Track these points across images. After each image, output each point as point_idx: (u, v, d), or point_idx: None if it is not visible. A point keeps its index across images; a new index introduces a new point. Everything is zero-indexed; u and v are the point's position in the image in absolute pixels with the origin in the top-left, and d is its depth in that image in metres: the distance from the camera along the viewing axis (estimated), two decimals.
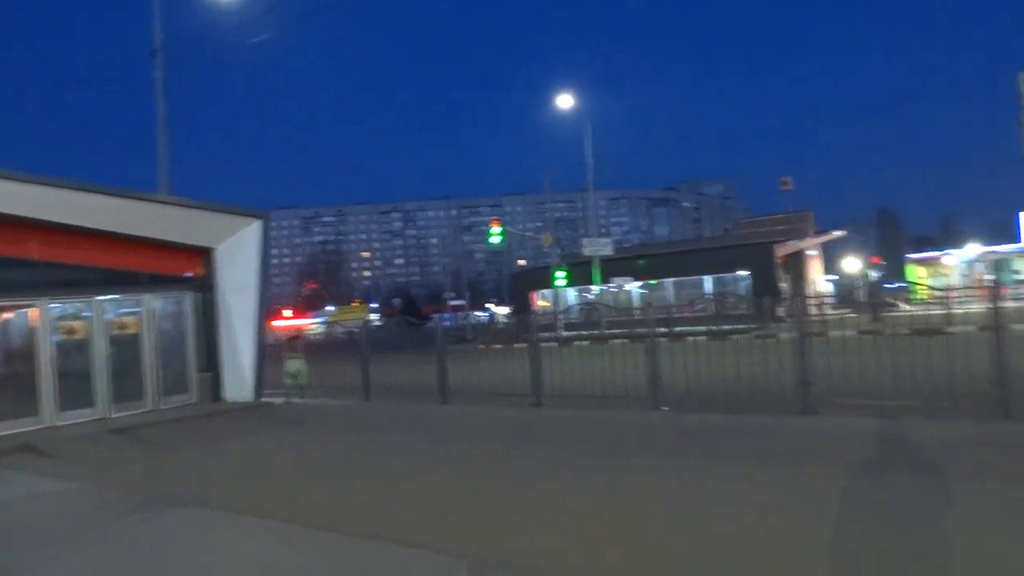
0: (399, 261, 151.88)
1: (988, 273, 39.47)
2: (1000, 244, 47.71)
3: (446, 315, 59.42)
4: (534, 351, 11.16)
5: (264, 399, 13.08)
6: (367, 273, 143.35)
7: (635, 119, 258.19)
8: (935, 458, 5.98)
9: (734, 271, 36.51)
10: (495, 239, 35.62)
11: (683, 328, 17.45)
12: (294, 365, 13.80)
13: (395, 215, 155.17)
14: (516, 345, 12.24)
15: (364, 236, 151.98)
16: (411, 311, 63.34)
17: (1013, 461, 5.78)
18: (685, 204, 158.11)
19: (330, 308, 68.95)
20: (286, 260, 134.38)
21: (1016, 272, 40.33)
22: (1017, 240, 42.09)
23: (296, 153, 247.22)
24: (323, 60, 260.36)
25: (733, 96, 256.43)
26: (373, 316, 67.51)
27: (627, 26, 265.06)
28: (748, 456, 6.59)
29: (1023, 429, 6.82)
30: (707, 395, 9.48)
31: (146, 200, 12.39)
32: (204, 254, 13.13)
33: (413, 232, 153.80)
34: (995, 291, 8.42)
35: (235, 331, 13.10)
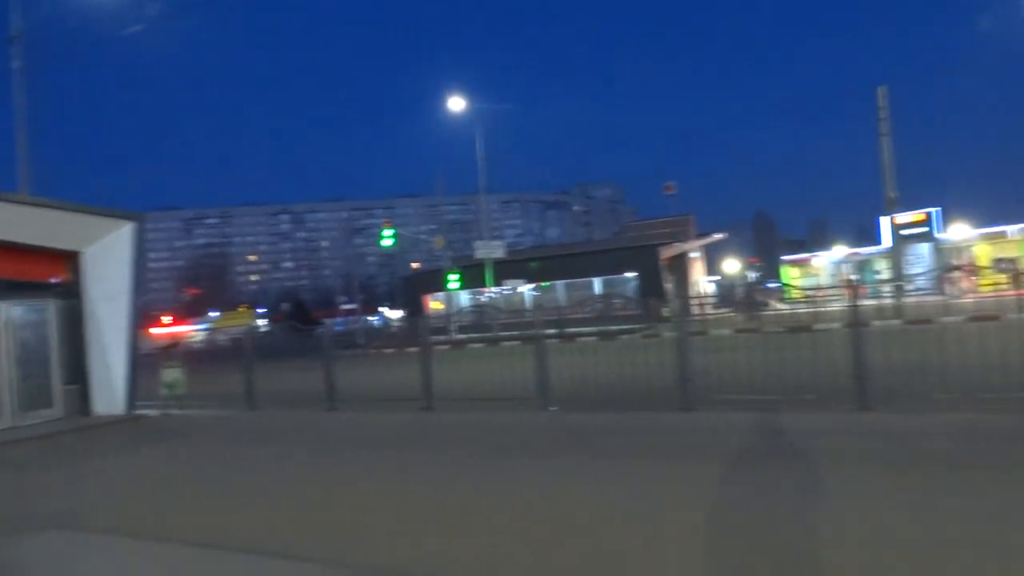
0: (288, 264, 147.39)
1: (853, 273, 42.31)
2: (864, 246, 51.23)
3: (338, 319, 58.14)
4: (425, 354, 11.09)
5: (138, 412, 12.37)
6: (254, 277, 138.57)
7: (528, 122, 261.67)
8: (800, 447, 6.35)
9: (622, 273, 37.59)
10: (387, 241, 35.16)
11: (573, 329, 17.79)
12: (171, 375, 13.12)
13: (284, 217, 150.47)
14: (408, 349, 12.11)
15: (251, 239, 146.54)
16: (300, 316, 61.54)
17: (869, 447, 6.20)
18: (576, 207, 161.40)
19: (214, 314, 66.12)
20: (165, 264, 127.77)
21: (877, 272, 43.43)
22: (878, 243, 45.30)
23: (177, 152, 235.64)
24: (208, 54, 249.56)
25: (621, 101, 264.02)
26: (261, 322, 65.21)
27: (518, 29, 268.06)
28: (628, 453, 6.78)
29: (879, 418, 7.33)
30: (594, 394, 9.71)
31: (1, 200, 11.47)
32: (70, 258, 12.29)
33: (303, 234, 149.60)
34: (855, 290, 9.04)
35: (105, 340, 12.32)
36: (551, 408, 9.67)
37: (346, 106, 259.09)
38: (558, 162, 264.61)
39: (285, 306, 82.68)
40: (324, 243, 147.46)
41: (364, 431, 9.55)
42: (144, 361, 14.06)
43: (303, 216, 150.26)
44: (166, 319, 59.53)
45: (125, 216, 12.58)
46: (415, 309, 41.23)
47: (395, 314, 61.12)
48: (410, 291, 46.07)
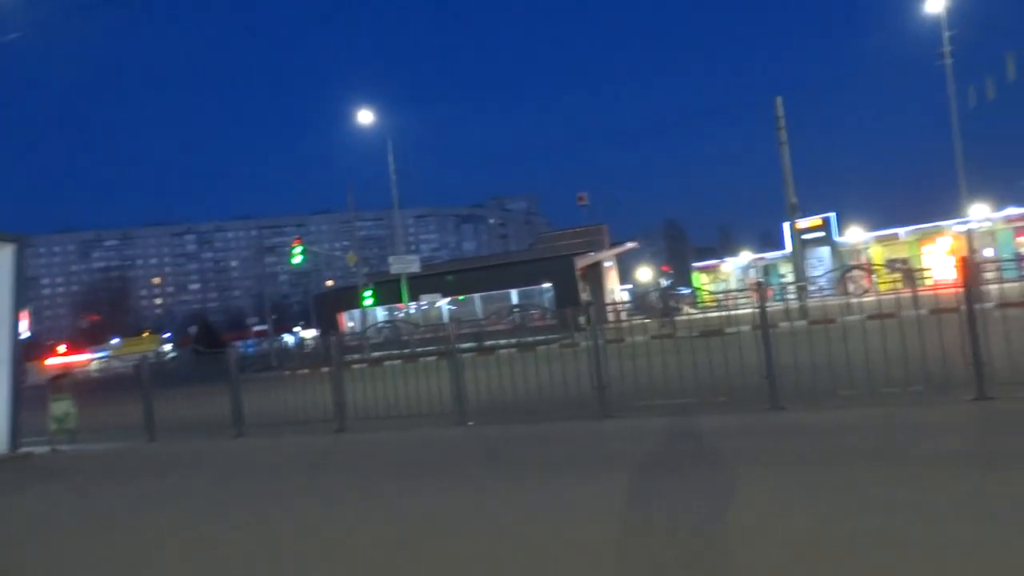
0: (195, 287, 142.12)
1: (759, 277, 43.86)
2: (768, 251, 53.22)
3: (249, 341, 56.25)
4: (336, 373, 10.71)
5: (24, 449, 11.46)
6: (159, 301, 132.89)
7: (442, 136, 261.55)
8: (715, 449, 6.36)
9: (538, 284, 37.79)
10: (297, 259, 34.23)
11: (491, 342, 17.63)
12: (60, 407, 12.22)
13: (189, 237, 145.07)
14: (324, 369, 11.66)
15: (154, 261, 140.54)
16: (208, 339, 59.28)
17: (782, 446, 6.27)
18: (492, 220, 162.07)
19: (116, 341, 62.91)
20: (60, 290, 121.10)
21: (782, 276, 45.16)
22: (782, 247, 47.17)
23: (73, 171, 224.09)
24: (105, 66, 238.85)
25: (534, 114, 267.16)
26: (167, 347, 62.49)
27: (431, 44, 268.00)
28: (545, 465, 6.64)
29: (790, 417, 7.45)
30: (512, 406, 9.56)
31: None
32: None
33: (210, 255, 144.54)
34: (762, 293, 9.24)
35: None
36: (468, 423, 9.46)
37: (254, 122, 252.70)
38: (473, 175, 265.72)
39: (192, 330, 79.46)
40: (233, 263, 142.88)
41: (271, 458, 9.09)
42: (32, 394, 13.09)
43: (210, 236, 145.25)
44: (61, 348, 56.24)
45: (3, 238, 11.67)
46: (329, 328, 40.27)
47: (310, 333, 59.61)
48: (324, 309, 45.01)
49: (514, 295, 38.34)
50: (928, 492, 4.48)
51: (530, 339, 14.05)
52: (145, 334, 68.80)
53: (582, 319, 10.84)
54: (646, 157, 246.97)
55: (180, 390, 13.12)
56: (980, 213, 38.98)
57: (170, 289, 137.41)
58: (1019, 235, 41.18)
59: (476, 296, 39.14)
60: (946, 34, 29.65)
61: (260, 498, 6.66)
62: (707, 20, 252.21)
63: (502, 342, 16.23)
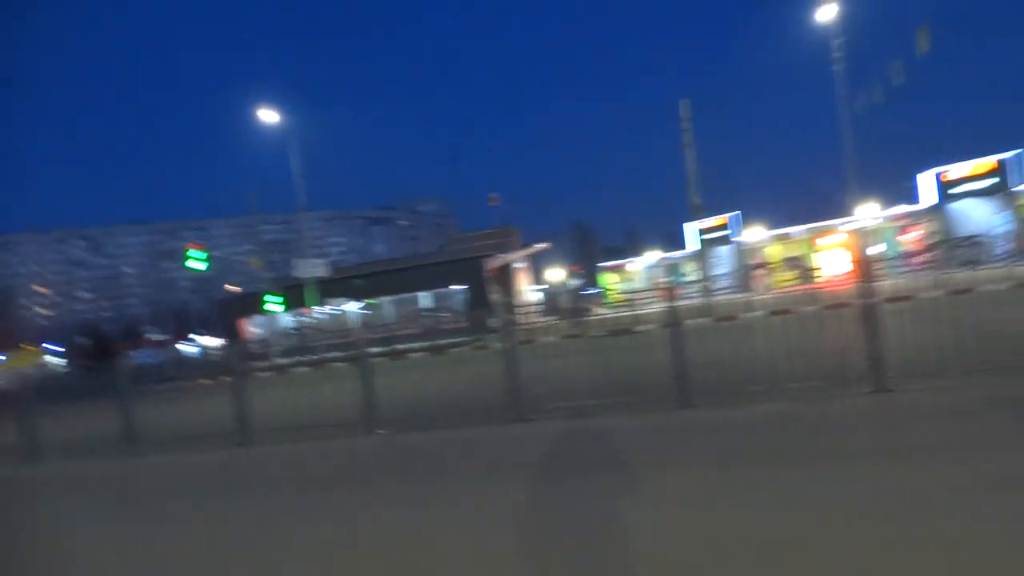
0: (86, 295, 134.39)
1: (665, 276, 44.99)
2: (674, 251, 54.67)
3: (146, 351, 53.64)
4: (239, 383, 10.21)
5: None
6: (45, 311, 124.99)
7: (350, 138, 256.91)
8: (627, 449, 6.35)
9: (449, 286, 37.52)
10: (197, 264, 32.72)
11: (403, 346, 17.31)
12: None
13: (78, 242, 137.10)
14: (226, 379, 11.10)
15: (36, 268, 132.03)
16: (100, 351, 56.14)
17: (693, 444, 6.32)
18: (402, 222, 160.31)
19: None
20: None
21: (684, 275, 46.44)
22: (684, 247, 48.50)
23: None
24: None
25: (444, 116, 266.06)
26: (55, 360, 58.80)
27: (338, 45, 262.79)
28: (459, 472, 6.49)
29: (700, 415, 7.54)
30: (425, 412, 9.34)
31: None
32: None
33: (102, 261, 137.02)
34: (671, 292, 9.37)
35: None
36: (379, 431, 9.18)
37: (150, 122, 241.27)
38: (383, 178, 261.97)
39: (83, 341, 74.94)
40: (128, 269, 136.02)
41: (165, 477, 8.55)
42: None
43: (101, 241, 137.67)
44: None
45: None
46: (232, 335, 38.81)
47: (213, 341, 57.30)
48: (226, 316, 43.32)
49: (425, 298, 37.95)
50: (832, 489, 4.56)
51: (442, 342, 13.87)
52: (24, 346, 64.30)
53: (493, 321, 10.68)
54: (555, 159, 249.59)
55: (70, 406, 12.26)
56: (867, 212, 41.22)
57: (59, 298, 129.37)
58: (902, 233, 43.77)
59: (386, 300, 38.52)
60: (836, 41, 31.19)
61: (148, 523, 6.21)
62: (614, 24, 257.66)
63: (414, 346, 15.96)
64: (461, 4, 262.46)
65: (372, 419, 9.32)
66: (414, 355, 14.09)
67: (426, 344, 15.99)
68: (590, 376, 8.85)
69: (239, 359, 10.86)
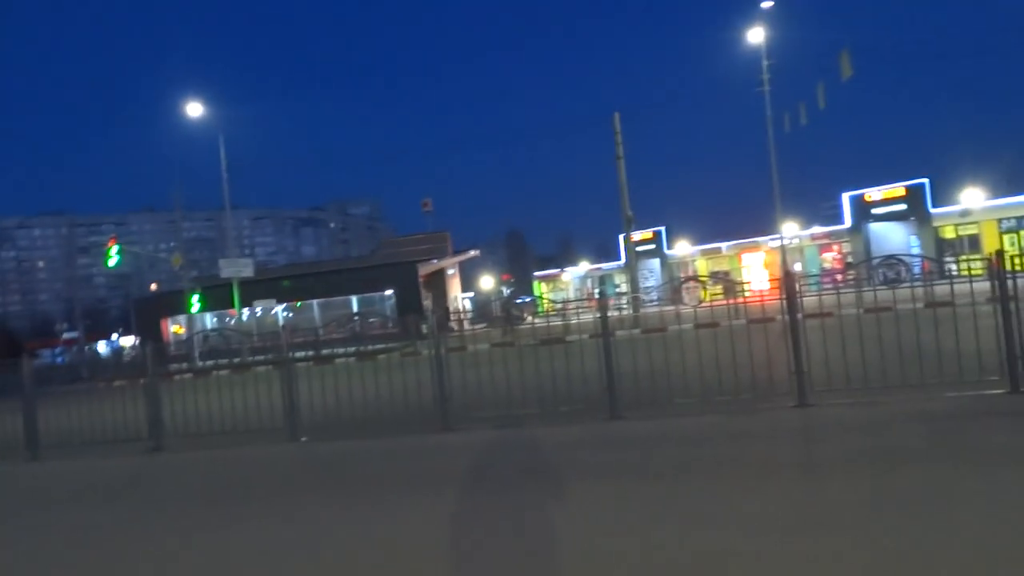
0: None
1: (596, 287, 45.50)
2: (605, 262, 55.35)
3: (57, 349, 51.18)
4: (152, 385, 9.73)
5: None
6: None
7: (281, 136, 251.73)
8: (554, 462, 6.27)
9: (380, 290, 37.02)
10: (112, 260, 31.34)
11: (330, 350, 16.86)
12: None
13: None
14: (141, 380, 10.54)
15: None
16: (8, 348, 53.18)
17: (620, 457, 6.29)
18: (332, 224, 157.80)
19: None
20: None
21: (617, 285, 47.09)
22: (618, 258, 49.21)
23: None
24: None
25: (377, 117, 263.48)
26: None
27: (269, 39, 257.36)
28: (382, 483, 6.28)
29: (628, 427, 7.54)
30: (350, 420, 9.07)
31: None
32: None
33: (12, 254, 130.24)
34: (603, 303, 9.37)
35: None
36: (301, 439, 8.87)
37: (70, 110, 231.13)
38: (313, 178, 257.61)
39: None
40: (40, 263, 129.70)
41: (67, 485, 8.05)
42: None
43: (11, 232, 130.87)
44: None
45: None
46: (152, 335, 37.32)
47: (129, 341, 55.04)
48: (146, 315, 41.67)
49: (355, 302, 37.32)
50: (750, 503, 4.57)
51: (371, 347, 13.56)
52: None
53: (424, 327, 10.53)
54: (490, 166, 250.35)
55: None
56: (791, 230, 42.64)
57: None
58: (823, 251, 45.42)
59: (314, 302, 37.72)
60: (765, 63, 32.21)
61: (44, 535, 5.78)
62: (552, 35, 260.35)
63: (340, 351, 15.59)
64: (398, 8, 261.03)
65: (294, 426, 9.00)
66: (341, 360, 13.75)
67: (353, 349, 15.65)
68: (520, 385, 8.76)
69: (153, 360, 10.34)
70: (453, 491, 5.64)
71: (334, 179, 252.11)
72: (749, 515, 4.35)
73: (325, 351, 17.35)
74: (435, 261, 40.53)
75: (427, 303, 35.63)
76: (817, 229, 46.02)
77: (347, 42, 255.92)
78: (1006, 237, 36.29)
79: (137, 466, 8.61)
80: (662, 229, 51.58)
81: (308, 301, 38.12)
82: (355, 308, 37.28)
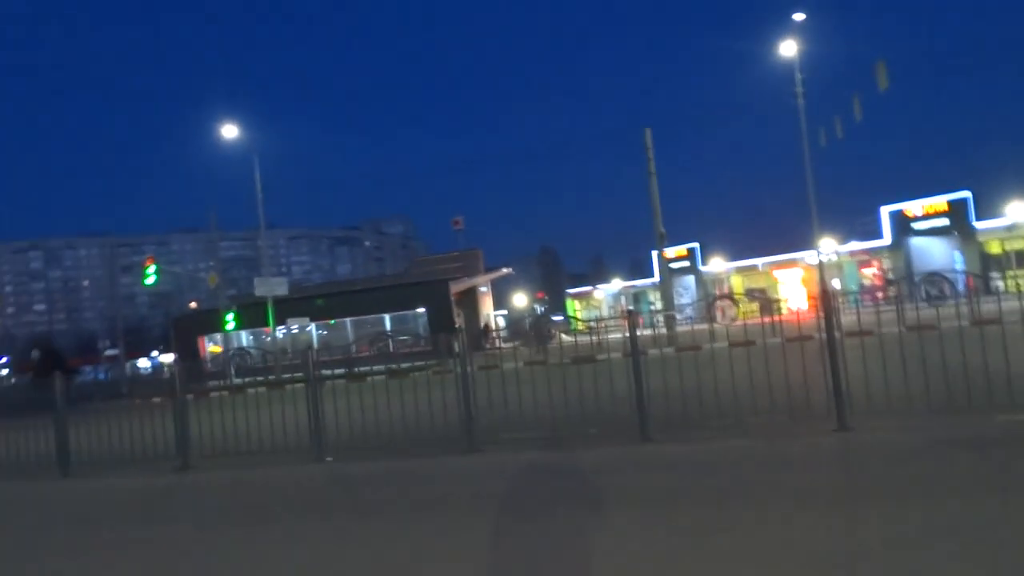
0: (40, 307, 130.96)
1: (629, 304, 45.09)
2: (638, 279, 54.89)
3: (101, 367, 52.23)
4: (180, 403, 9.73)
5: None
6: None
7: (318, 158, 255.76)
8: (583, 487, 6.07)
9: (412, 308, 37.09)
10: (150, 279, 31.87)
11: (362, 368, 16.83)
12: None
13: (34, 254, 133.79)
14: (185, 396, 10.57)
15: None
16: (53, 364, 54.35)
17: (652, 483, 6.06)
18: (367, 243, 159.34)
19: None
20: None
21: (651, 303, 46.64)
22: (651, 275, 48.77)
23: None
24: None
25: (412, 138, 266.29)
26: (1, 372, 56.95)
27: (305, 63, 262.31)
28: (402, 508, 6.13)
29: (659, 450, 7.29)
30: (376, 440, 8.95)
31: None
32: None
33: (58, 273, 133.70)
34: (632, 320, 9.15)
35: None
36: (327, 459, 8.77)
37: (114, 134, 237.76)
38: (349, 198, 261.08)
39: (35, 354, 72.64)
40: (85, 283, 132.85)
41: (95, 504, 8.03)
42: None
43: (59, 253, 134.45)
44: None
45: None
46: (189, 352, 37.82)
47: (169, 359, 55.93)
48: (183, 333, 42.28)
49: (387, 320, 37.43)
50: (783, 534, 4.32)
51: (403, 365, 13.47)
52: None
53: (456, 345, 10.39)
54: (523, 183, 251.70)
55: (5, 422, 11.61)
56: (828, 246, 41.81)
57: (11, 310, 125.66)
58: (862, 267, 44.46)
59: (347, 320, 37.91)
60: (798, 76, 31.74)
61: (66, 555, 5.73)
62: (583, 51, 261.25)
63: (372, 368, 15.54)
64: (429, 27, 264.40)
65: (320, 446, 8.91)
66: (373, 378, 13.67)
67: (384, 367, 15.58)
68: (549, 405, 8.57)
69: (180, 378, 10.36)
70: (473, 517, 5.46)
71: (369, 198, 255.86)
72: (786, 548, 4.10)
73: (357, 369, 17.30)
74: (467, 279, 40.55)
75: (459, 321, 35.62)
76: (855, 245, 45.09)
77: (381, 63, 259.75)
78: None
79: (161, 486, 8.57)
80: (696, 245, 51.00)
81: (341, 319, 38.34)
82: (388, 326, 37.38)
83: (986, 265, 35.74)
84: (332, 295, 40.26)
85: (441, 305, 36.17)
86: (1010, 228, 37.49)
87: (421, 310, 36.97)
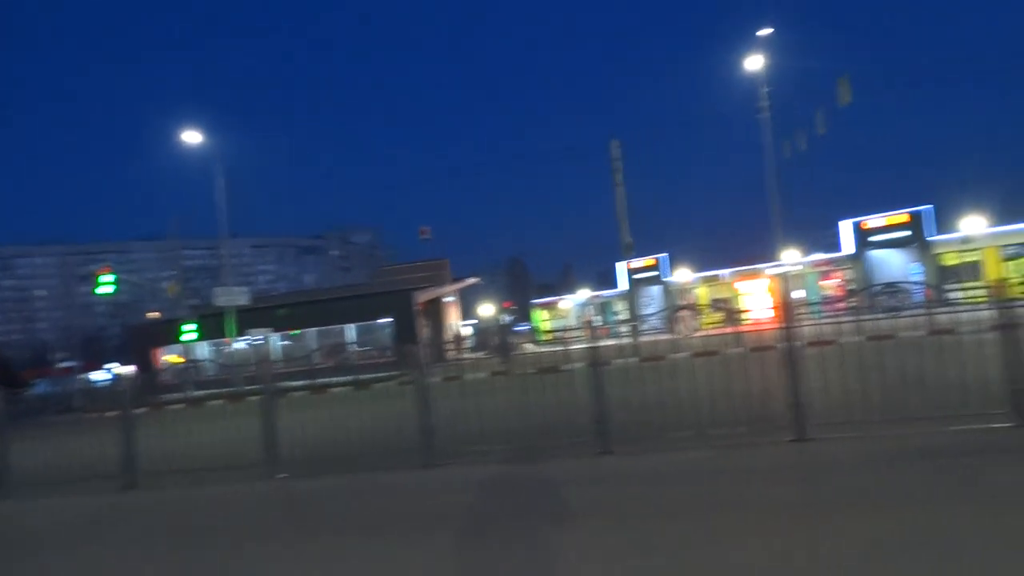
0: None
1: (595, 315, 45.17)
2: (605, 289, 55.08)
3: (55, 379, 50.84)
4: (126, 418, 9.38)
5: None
6: None
7: (284, 165, 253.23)
8: (542, 502, 5.92)
9: (377, 318, 36.68)
10: (106, 288, 31.05)
11: (325, 379, 16.53)
12: None
13: None
14: (137, 411, 10.20)
15: None
16: (5, 377, 52.72)
17: (611, 497, 5.94)
18: (333, 252, 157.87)
19: None
20: None
21: (616, 313, 46.76)
22: (615, 286, 48.93)
23: None
24: None
25: (379, 146, 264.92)
26: None
27: (268, 69, 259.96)
28: (356, 525, 5.94)
29: (619, 463, 7.18)
30: (332, 454, 8.71)
31: None
32: None
33: (11, 282, 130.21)
34: (593, 331, 9.07)
35: None
36: (280, 475, 8.51)
37: (71, 140, 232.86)
38: (316, 206, 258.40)
39: None
40: (40, 292, 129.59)
41: (31, 527, 7.66)
42: None
43: (12, 261, 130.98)
44: None
45: None
46: (145, 364, 36.98)
47: (127, 370, 54.63)
48: (139, 344, 41.30)
49: (352, 330, 36.98)
50: (750, 546, 4.24)
51: (366, 376, 13.23)
52: None
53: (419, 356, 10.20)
54: (493, 193, 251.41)
55: None
56: (792, 257, 42.37)
57: None
58: (824, 279, 45.12)
59: (311, 331, 37.36)
60: (763, 90, 32.19)
61: None
62: (552, 62, 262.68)
63: (335, 380, 15.26)
64: (397, 37, 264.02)
65: (273, 462, 8.64)
66: (335, 390, 13.41)
67: (348, 379, 15.32)
68: (512, 417, 8.44)
69: (131, 391, 10.02)
70: (425, 535, 5.29)
71: (336, 207, 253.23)
72: (741, 560, 4.01)
73: (319, 380, 16.99)
74: (433, 289, 40.27)
75: (425, 331, 35.34)
76: (818, 256, 45.75)
77: (349, 71, 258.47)
78: (1009, 264, 35.99)
79: (107, 505, 8.23)
80: (665, 256, 51.32)
81: (305, 329, 37.76)
82: (353, 337, 36.93)
83: (943, 277, 36.51)
84: (295, 305, 39.64)
85: (406, 315, 35.82)
86: (964, 241, 38.38)
87: (386, 320, 36.58)
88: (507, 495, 6.43)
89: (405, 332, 33.69)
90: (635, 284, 44.69)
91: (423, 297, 38.03)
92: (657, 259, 51.88)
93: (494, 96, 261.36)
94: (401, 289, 37.87)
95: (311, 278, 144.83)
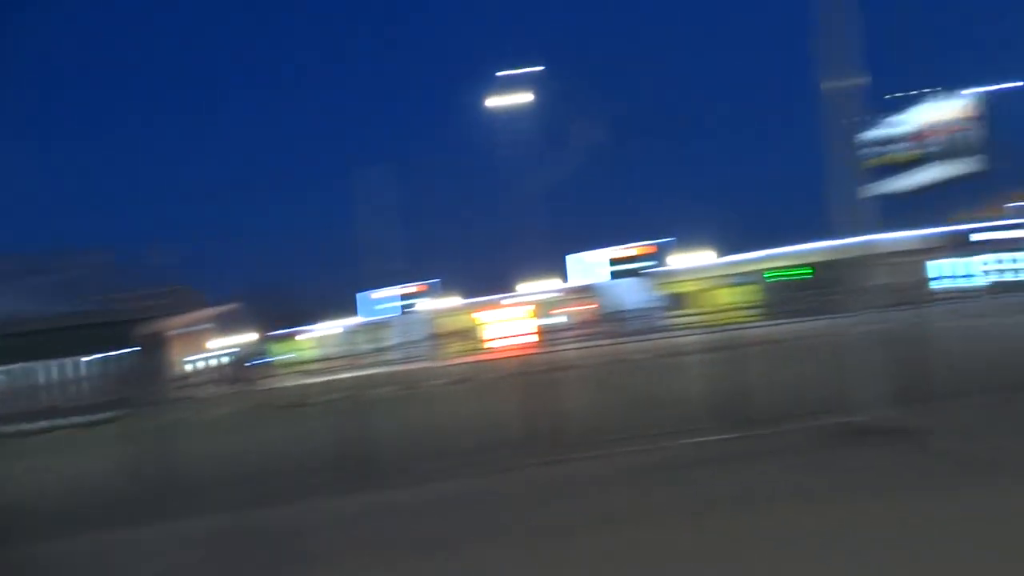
0: None
1: (342, 344, 44.41)
2: (354, 318, 54.09)
3: None
4: None
5: None
6: None
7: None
8: (274, 552, 5.36)
9: (109, 349, 32.62)
10: None
11: (25, 426, 14.24)
12: None
13: None
14: None
15: None
16: None
17: (360, 535, 5.54)
18: (58, 275, 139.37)
19: None
20: None
21: (368, 342, 46.13)
22: (373, 314, 48.54)
23: None
24: None
25: (112, 163, 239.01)
26: None
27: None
28: None
29: (376, 499, 6.72)
30: (24, 517, 7.27)
31: None
32: None
33: None
34: (345, 362, 8.65)
35: None
36: None
37: None
38: (39, 224, 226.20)
39: None
40: None
41: None
42: None
43: None
44: None
45: None
46: None
47: None
48: None
49: (67, 365, 32.51)
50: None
51: (67, 421, 11.56)
52: None
53: (153, 393, 9.06)
54: (240, 220, 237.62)
55: None
56: (533, 287, 45.06)
57: None
58: (565, 307, 47.96)
59: (16, 367, 32.21)
60: (510, 129, 33.79)
61: None
62: (292, 79, 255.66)
63: (21, 428, 13.17)
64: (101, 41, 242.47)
65: None
66: (40, 437, 11.56)
67: (49, 424, 13.28)
68: (251, 455, 7.64)
69: None
70: None
71: (64, 226, 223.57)
72: None
73: (21, 426, 14.68)
74: (167, 318, 36.79)
75: (157, 364, 32.09)
76: (558, 285, 48.89)
77: (67, 79, 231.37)
78: (723, 292, 40.78)
79: None
80: (434, 282, 51.78)
81: (13, 365, 32.48)
82: (71, 370, 32.52)
83: (670, 304, 40.59)
84: (3, 337, 33.95)
85: (139, 346, 32.19)
86: (684, 272, 43.16)
87: (114, 352, 32.58)
88: (221, 553, 5.69)
89: (137, 365, 30.32)
90: (402, 311, 44.86)
91: (155, 327, 34.59)
92: (431, 285, 52.40)
93: (237, 115, 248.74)
94: (133, 318, 34.06)
95: (30, 305, 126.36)
